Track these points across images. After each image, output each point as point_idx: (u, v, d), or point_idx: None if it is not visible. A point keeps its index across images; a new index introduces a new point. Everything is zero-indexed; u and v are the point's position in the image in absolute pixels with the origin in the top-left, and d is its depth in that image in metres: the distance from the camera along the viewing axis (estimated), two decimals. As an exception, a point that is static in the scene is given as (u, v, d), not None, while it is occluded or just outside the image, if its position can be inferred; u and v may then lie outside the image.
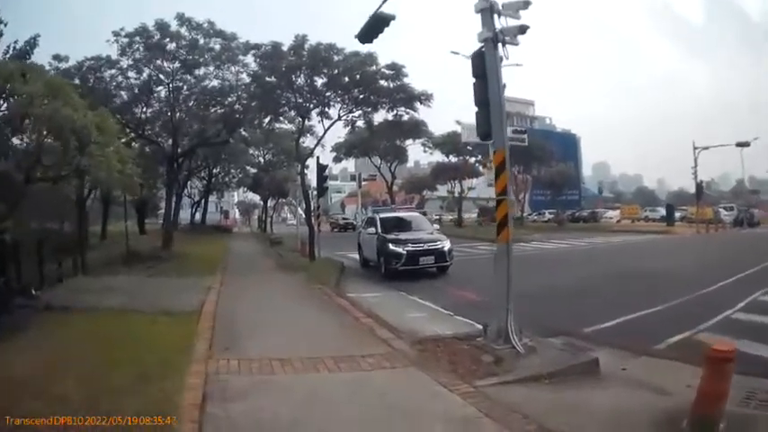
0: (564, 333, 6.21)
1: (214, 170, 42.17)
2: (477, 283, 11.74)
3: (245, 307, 8.39)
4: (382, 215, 14.65)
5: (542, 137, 48.42)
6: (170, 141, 20.43)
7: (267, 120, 18.47)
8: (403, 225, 13.79)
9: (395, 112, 17.13)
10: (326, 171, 17.13)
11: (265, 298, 9.51)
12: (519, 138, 33.00)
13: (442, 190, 57.28)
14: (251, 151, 39.60)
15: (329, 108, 16.58)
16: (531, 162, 41.69)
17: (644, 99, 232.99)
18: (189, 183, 41.20)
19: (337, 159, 39.38)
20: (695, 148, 32.28)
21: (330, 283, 10.61)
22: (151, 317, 6.93)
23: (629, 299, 8.48)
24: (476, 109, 6.04)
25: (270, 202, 45.37)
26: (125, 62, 18.05)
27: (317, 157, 17.50)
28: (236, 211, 79.37)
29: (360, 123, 17.77)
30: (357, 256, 16.85)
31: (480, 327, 5.87)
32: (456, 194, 54.11)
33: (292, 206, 73.25)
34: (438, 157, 46.25)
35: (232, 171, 45.12)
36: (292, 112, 17.16)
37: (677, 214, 37.25)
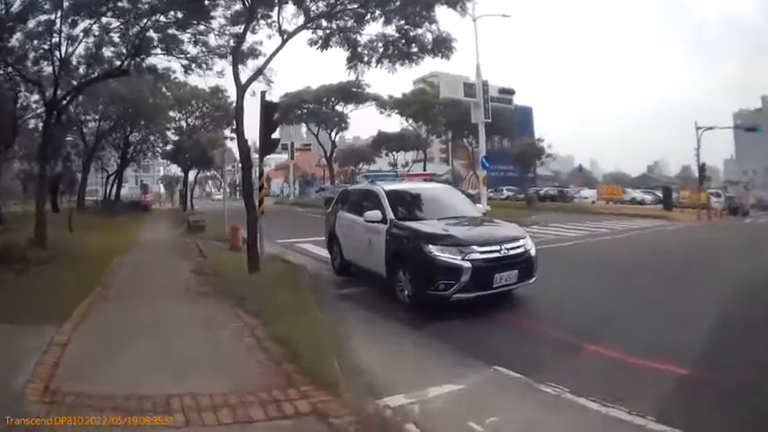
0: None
1: (130, 137, 33.76)
2: (595, 313, 6.05)
3: None
4: (388, 188, 7.70)
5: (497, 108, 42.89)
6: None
7: (188, 31, 11.54)
8: (429, 207, 7.24)
9: (402, 23, 10.02)
10: (276, 116, 10.38)
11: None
12: (506, 99, 27.21)
13: (381, 163, 51.61)
14: (171, 113, 31.71)
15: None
16: (491, 134, 35.68)
17: (573, 76, 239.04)
18: (101, 152, 32.77)
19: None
20: (698, 128, 29.58)
21: (326, 364, 3.90)
22: None
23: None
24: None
25: (193, 175, 37.16)
26: None
27: (263, 93, 10.43)
28: (161, 185, 70.11)
29: (335, 40, 10.67)
30: (312, 248, 11.65)
31: None
32: (401, 167, 48.36)
33: (218, 180, 64.86)
34: (388, 124, 40.67)
35: (151, 137, 36.64)
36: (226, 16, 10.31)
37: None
